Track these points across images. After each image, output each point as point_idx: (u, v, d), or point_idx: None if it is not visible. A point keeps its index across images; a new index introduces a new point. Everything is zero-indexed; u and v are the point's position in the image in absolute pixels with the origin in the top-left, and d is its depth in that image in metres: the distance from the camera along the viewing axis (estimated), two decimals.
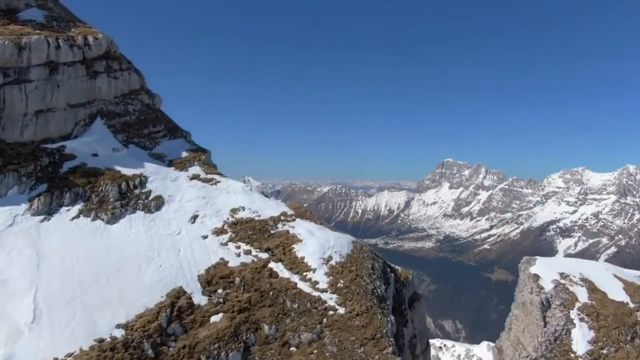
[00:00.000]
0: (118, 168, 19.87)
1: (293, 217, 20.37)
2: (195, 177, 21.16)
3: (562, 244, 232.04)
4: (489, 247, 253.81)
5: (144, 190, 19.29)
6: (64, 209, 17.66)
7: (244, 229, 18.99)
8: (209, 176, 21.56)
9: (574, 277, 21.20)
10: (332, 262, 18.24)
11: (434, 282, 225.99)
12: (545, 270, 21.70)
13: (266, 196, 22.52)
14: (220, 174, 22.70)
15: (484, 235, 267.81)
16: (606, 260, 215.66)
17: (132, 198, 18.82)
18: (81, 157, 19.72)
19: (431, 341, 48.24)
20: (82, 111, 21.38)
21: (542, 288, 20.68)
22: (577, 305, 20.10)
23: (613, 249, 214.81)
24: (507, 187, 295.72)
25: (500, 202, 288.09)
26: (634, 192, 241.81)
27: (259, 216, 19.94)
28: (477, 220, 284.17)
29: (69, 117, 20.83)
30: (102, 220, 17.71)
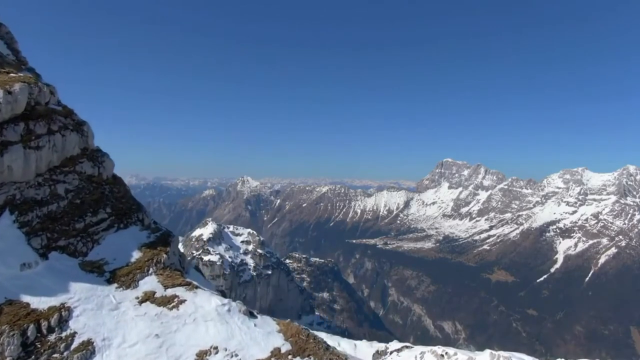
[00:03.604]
0: (26, 299, 13.35)
1: (290, 356, 14.21)
2: (147, 297, 14.64)
3: (562, 245, 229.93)
4: (488, 247, 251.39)
5: (64, 335, 12.85)
6: None
7: None
8: (169, 292, 15.03)
9: None
10: None
11: (434, 283, 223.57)
12: None
13: (251, 314, 16.09)
14: (188, 283, 16.02)
15: (483, 235, 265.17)
16: (606, 262, 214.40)
17: (42, 351, 12.42)
18: None
19: (432, 348, 43.74)
20: None
21: None
22: None
23: (613, 250, 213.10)
24: (506, 187, 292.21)
25: (499, 203, 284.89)
26: (634, 193, 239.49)
27: None
28: (477, 221, 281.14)
29: None
30: None
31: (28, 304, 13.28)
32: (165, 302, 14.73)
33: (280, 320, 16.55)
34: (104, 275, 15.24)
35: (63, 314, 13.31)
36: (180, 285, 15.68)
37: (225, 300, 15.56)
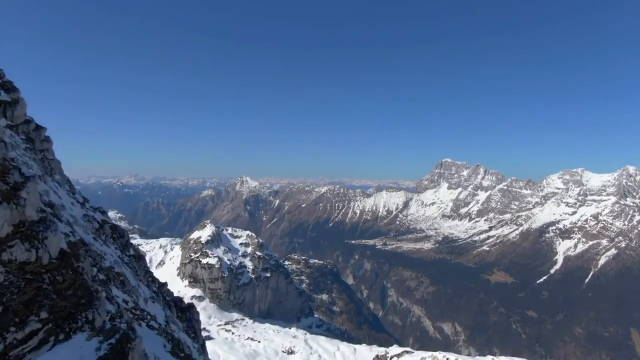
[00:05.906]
0: None
1: None
2: None
3: (562, 246, 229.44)
4: (488, 248, 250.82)
5: None
6: None
7: None
8: None
9: None
10: None
11: (433, 284, 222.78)
12: None
13: None
14: None
15: (483, 236, 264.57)
16: (607, 263, 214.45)
17: None
18: None
19: (433, 354, 42.50)
20: None
21: None
22: None
23: (613, 251, 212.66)
24: (506, 187, 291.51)
25: (499, 203, 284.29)
26: (634, 194, 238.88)
27: None
28: (476, 222, 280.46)
29: None
30: None
31: None
32: None
33: None
34: None
35: None
36: None
37: None
